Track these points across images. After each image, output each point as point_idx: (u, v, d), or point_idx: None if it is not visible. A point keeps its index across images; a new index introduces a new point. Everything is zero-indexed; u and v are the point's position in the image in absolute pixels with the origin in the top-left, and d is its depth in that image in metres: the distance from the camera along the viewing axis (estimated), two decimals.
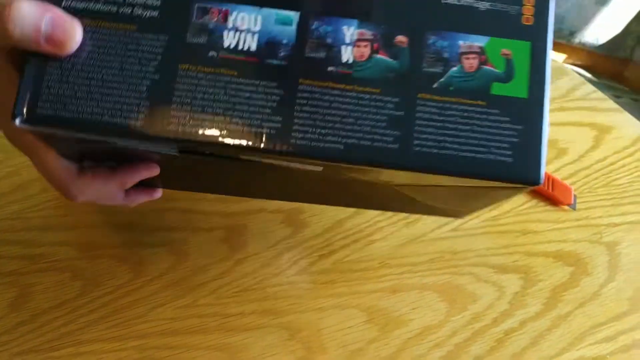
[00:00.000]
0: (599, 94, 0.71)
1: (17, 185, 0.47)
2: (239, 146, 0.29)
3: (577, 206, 0.55)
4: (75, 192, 0.33)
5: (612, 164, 0.60)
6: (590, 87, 0.72)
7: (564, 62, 1.34)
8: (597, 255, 0.50)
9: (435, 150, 0.30)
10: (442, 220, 0.51)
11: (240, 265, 0.45)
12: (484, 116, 0.30)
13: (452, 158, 0.30)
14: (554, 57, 0.75)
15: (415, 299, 0.45)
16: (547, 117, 0.31)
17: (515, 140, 0.30)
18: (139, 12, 0.30)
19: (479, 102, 0.30)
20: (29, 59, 0.29)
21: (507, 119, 0.30)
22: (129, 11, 0.30)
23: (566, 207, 0.54)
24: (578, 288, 0.47)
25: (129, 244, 0.45)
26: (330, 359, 0.40)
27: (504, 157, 0.30)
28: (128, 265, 0.44)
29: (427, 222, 0.50)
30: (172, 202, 0.47)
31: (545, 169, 0.30)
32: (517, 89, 0.31)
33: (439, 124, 0.30)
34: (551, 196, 0.55)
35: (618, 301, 0.47)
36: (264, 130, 0.29)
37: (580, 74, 1.31)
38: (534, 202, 0.55)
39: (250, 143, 0.29)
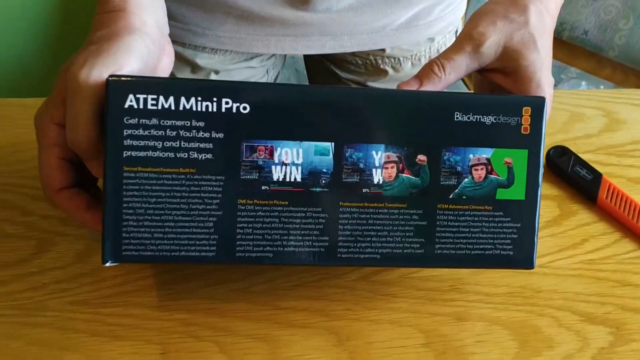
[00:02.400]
0: None
1: None
2: (294, 264, 0.35)
3: None
4: (51, 195, 0.36)
5: None
6: None
7: None
8: None
9: (452, 252, 0.37)
10: None
11: None
12: (491, 218, 0.37)
13: (465, 256, 0.37)
14: None
15: (482, 331, 0.41)
16: (539, 213, 0.37)
17: (514, 236, 0.37)
18: (195, 156, 0.33)
19: (486, 207, 0.37)
20: (105, 206, 0.33)
21: (509, 219, 0.37)
22: (186, 156, 0.33)
23: None
24: None
25: None
26: None
27: (505, 251, 0.37)
28: None
29: None
30: None
31: (536, 255, 0.38)
32: (517, 192, 0.37)
33: (454, 229, 0.36)
34: None
35: None
36: (315, 250, 0.35)
37: None
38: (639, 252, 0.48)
39: (303, 262, 0.35)
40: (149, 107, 0.33)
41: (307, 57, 0.74)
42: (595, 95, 0.69)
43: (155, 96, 0.33)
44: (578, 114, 0.64)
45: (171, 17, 0.58)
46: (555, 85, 1.24)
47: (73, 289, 0.40)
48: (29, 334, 0.37)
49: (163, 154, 0.33)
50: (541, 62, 0.40)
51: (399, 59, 0.65)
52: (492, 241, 0.37)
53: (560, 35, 1.25)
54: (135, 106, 0.33)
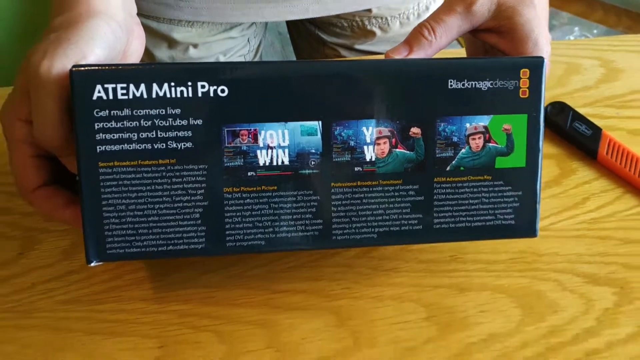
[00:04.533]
0: None
1: None
2: (288, 249, 0.35)
3: None
4: (27, 195, 0.34)
5: None
6: None
7: None
8: None
9: (452, 225, 0.36)
10: None
11: None
12: (490, 188, 0.36)
13: (465, 229, 0.36)
14: None
15: (486, 301, 0.40)
16: (541, 179, 0.36)
17: (516, 205, 0.36)
18: (174, 146, 0.31)
19: (486, 177, 0.36)
20: (83, 206, 0.32)
21: (509, 187, 0.36)
22: (163, 146, 0.31)
23: None
24: None
25: None
26: (379, 354, 0.37)
27: (507, 220, 0.36)
28: None
29: None
30: None
31: (539, 222, 0.37)
32: (517, 159, 0.36)
33: (453, 202, 0.35)
34: None
35: None
36: (309, 234, 0.34)
37: None
38: None
39: (297, 247, 0.34)
40: (119, 97, 0.31)
41: (290, 22, 0.72)
42: (590, 44, 0.67)
43: (124, 85, 0.30)
44: (574, 66, 0.62)
45: None
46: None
47: (63, 288, 0.39)
48: (23, 337, 0.36)
49: (139, 146, 0.31)
50: (538, 18, 0.38)
51: (386, 19, 0.62)
52: (492, 212, 0.36)
53: None
54: (105, 97, 0.31)
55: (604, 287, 0.41)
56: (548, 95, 0.57)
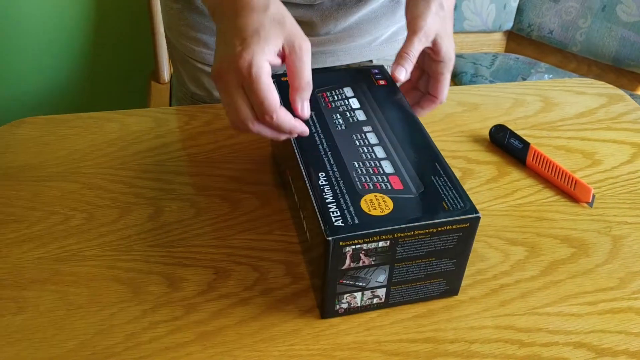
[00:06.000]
0: None
1: (162, 144, 0.67)
2: None
3: (597, 205, 0.64)
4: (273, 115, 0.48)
5: None
6: None
7: None
8: (602, 243, 0.60)
9: None
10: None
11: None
12: None
13: None
14: (614, 87, 0.84)
15: None
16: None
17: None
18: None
19: None
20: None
21: None
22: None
23: (585, 205, 0.64)
24: (575, 264, 0.58)
25: (231, 190, 0.63)
26: None
27: None
28: (228, 203, 0.61)
29: None
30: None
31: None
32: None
33: None
34: (572, 194, 0.65)
35: (609, 279, 0.56)
36: None
37: None
38: (556, 197, 0.65)
39: None
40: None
41: None
42: (535, 84, 0.86)
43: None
44: (520, 100, 0.81)
45: (210, 47, 0.76)
46: (524, 79, 1.42)
47: (149, 238, 0.58)
48: (125, 265, 0.55)
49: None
50: (450, 41, 0.58)
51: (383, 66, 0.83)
52: None
53: (529, 35, 1.42)
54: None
55: (519, 246, 0.59)
56: (495, 121, 0.76)
